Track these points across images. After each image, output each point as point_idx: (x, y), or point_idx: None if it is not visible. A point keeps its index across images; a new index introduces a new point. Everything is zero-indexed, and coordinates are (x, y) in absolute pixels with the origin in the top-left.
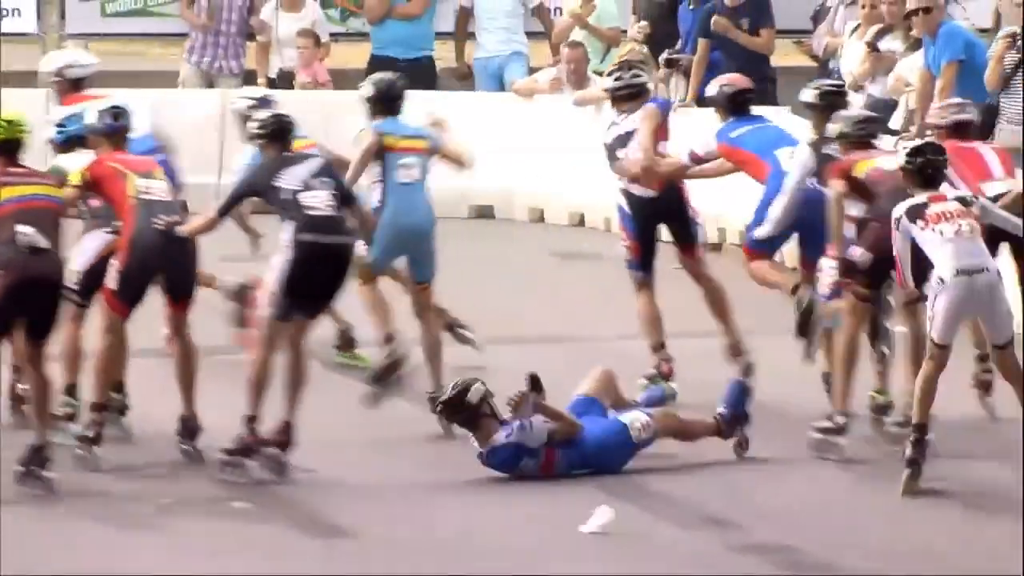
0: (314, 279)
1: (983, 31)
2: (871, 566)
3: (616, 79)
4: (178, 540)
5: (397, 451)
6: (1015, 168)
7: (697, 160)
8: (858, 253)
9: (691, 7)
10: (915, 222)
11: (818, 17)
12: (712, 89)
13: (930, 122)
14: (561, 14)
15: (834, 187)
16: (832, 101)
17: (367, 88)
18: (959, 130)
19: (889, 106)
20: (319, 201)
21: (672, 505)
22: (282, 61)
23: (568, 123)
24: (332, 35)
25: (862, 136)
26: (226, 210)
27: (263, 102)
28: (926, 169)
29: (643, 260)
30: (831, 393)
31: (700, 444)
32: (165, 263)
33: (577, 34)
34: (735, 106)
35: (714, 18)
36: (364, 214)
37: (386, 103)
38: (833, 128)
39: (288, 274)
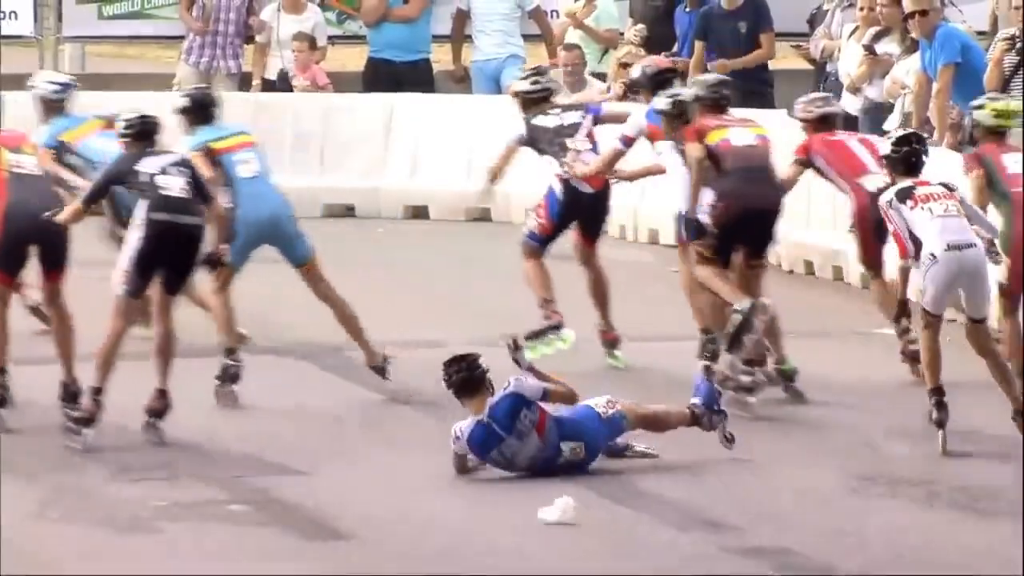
0: (165, 257)
1: (980, 34)
2: (869, 567)
3: (533, 83)
4: (174, 543)
5: (395, 451)
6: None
7: (629, 142)
8: (707, 221)
9: (687, 9)
10: (904, 203)
11: (815, 20)
12: (636, 71)
13: (797, 116)
14: (558, 16)
15: (693, 151)
16: (685, 109)
17: (182, 100)
18: (825, 123)
19: (886, 109)
20: (174, 184)
21: (668, 506)
22: (283, 62)
23: None
24: (329, 38)
25: (716, 100)
26: (92, 199)
27: (65, 87)
28: (910, 158)
29: (547, 240)
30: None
31: (696, 444)
32: (38, 235)
33: (573, 36)
34: (657, 86)
35: (718, 62)
36: (220, 212)
37: (202, 113)
38: (689, 92)
39: (141, 251)
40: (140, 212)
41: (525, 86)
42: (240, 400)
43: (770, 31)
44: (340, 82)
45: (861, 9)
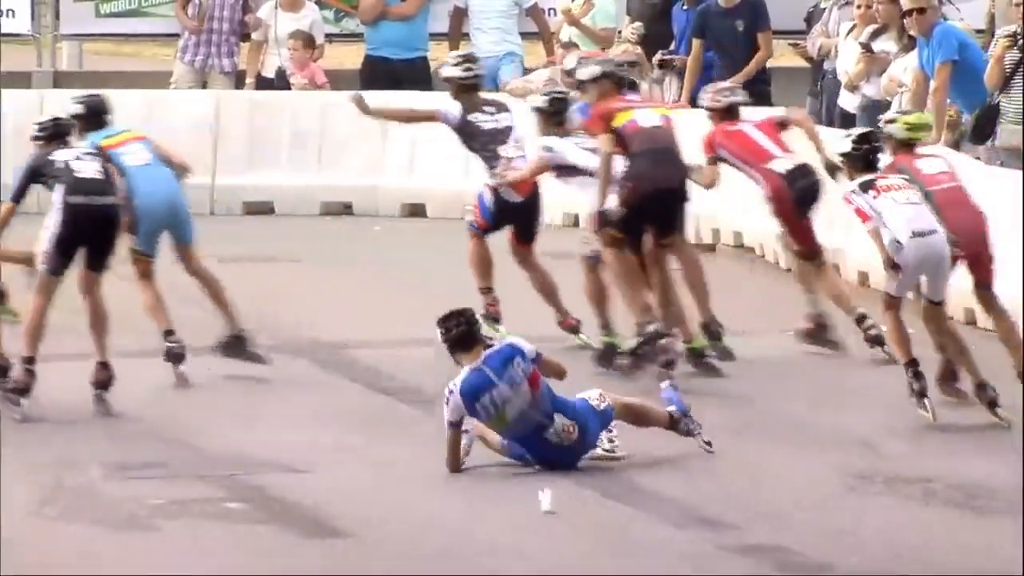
0: (84, 238)
1: (978, 32)
2: (868, 566)
3: (465, 69)
4: (171, 541)
5: (394, 450)
6: (782, 137)
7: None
8: (613, 206)
9: (685, 7)
10: (867, 192)
11: (812, 18)
12: (570, 61)
13: (704, 106)
14: (556, 15)
15: (603, 144)
16: (560, 107)
17: (76, 106)
18: (731, 113)
19: (883, 106)
20: (88, 168)
21: (666, 504)
22: (280, 60)
23: None
24: (327, 36)
25: (619, 79)
26: (19, 196)
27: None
28: (869, 155)
29: (486, 232)
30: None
31: (693, 443)
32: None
33: (569, 34)
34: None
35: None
36: (127, 200)
37: (95, 119)
38: (593, 70)
39: (60, 234)
40: (57, 196)
41: (457, 72)
42: (239, 400)
43: (767, 30)
44: (338, 80)
45: (858, 7)
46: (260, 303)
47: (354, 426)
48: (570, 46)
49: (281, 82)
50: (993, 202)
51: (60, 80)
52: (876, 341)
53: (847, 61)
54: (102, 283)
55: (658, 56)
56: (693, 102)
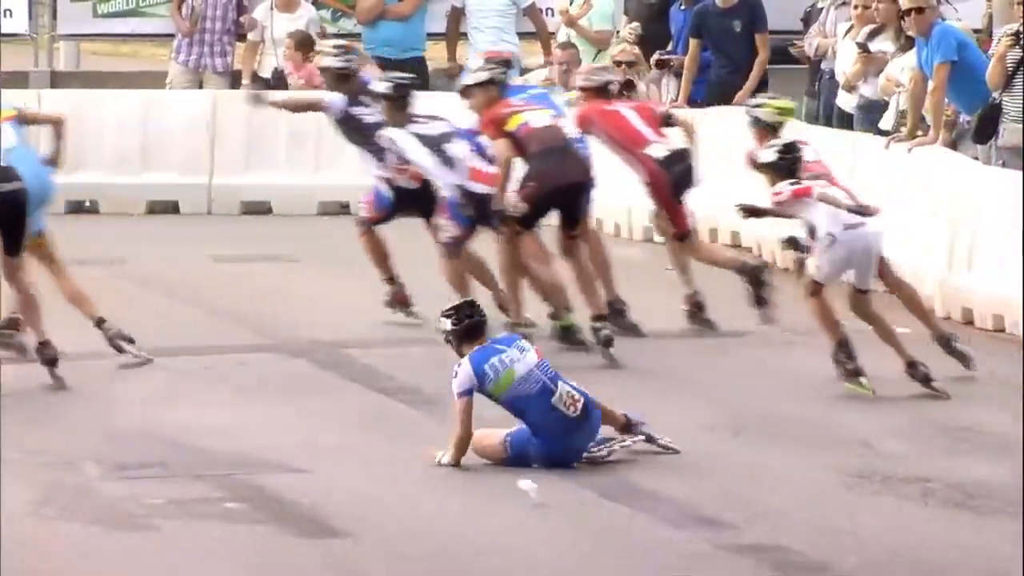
0: None
1: (976, 31)
2: (866, 566)
3: (345, 60)
4: (169, 540)
5: (392, 450)
6: (658, 123)
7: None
8: (513, 202)
9: (682, 7)
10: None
11: (809, 18)
12: (474, 62)
13: (578, 85)
14: (553, 15)
15: (502, 149)
16: (405, 93)
17: None
18: (604, 92)
19: (881, 106)
20: None
21: (664, 504)
22: (277, 61)
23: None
24: (324, 35)
25: (503, 83)
26: None
27: None
28: (792, 165)
29: (378, 223)
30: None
31: (692, 443)
32: None
33: (565, 34)
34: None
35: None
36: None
37: None
38: (479, 75)
39: None
40: None
41: (334, 62)
42: (238, 400)
43: (765, 31)
44: None
45: (856, 7)
46: (258, 303)
47: (353, 426)
48: (568, 46)
49: (278, 82)
50: (992, 202)
51: (57, 80)
52: (762, 303)
53: (844, 61)
54: (24, 267)
55: (656, 56)
56: (691, 102)
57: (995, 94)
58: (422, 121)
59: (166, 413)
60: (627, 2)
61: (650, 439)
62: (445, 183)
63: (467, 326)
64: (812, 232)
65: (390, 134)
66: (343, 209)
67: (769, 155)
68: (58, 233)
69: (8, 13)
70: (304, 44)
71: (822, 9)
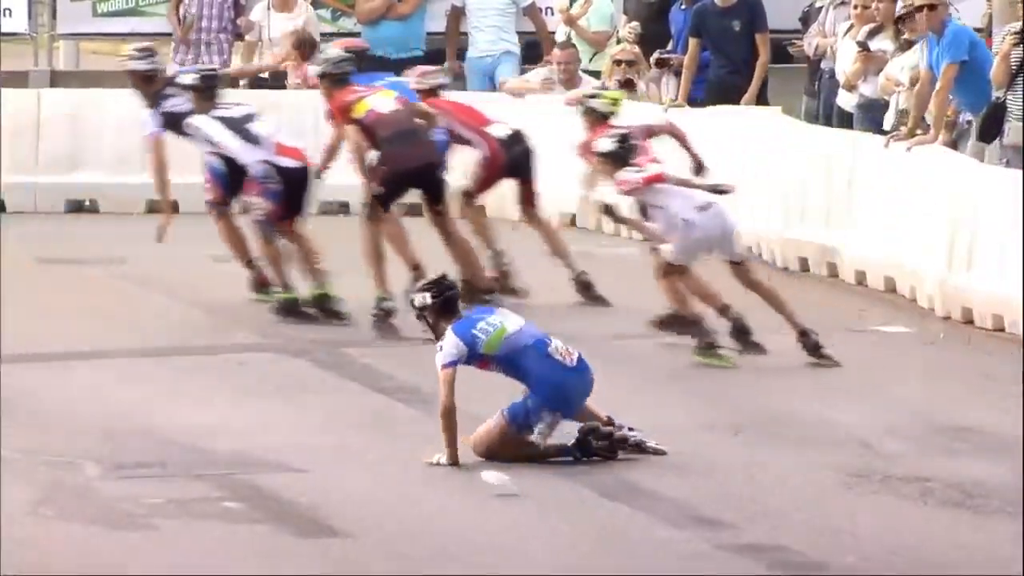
0: None
1: (977, 31)
2: (865, 566)
3: (150, 64)
4: (168, 540)
5: (391, 449)
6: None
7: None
8: (374, 187)
9: (682, 7)
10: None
11: (808, 18)
12: (330, 52)
13: (413, 86)
14: (553, 14)
15: (349, 135)
16: (212, 84)
17: None
18: (435, 94)
19: (881, 106)
20: None
21: (663, 504)
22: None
23: (559, 123)
24: (323, 35)
25: (344, 74)
26: None
27: None
28: (629, 153)
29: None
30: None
31: (691, 442)
32: None
33: (563, 32)
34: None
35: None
36: None
37: None
38: (315, 69)
39: None
40: None
41: (139, 65)
42: (237, 400)
43: (765, 31)
44: None
45: (855, 7)
46: (258, 303)
47: (352, 426)
48: (567, 45)
49: (275, 82)
50: (992, 201)
51: (57, 79)
52: (583, 285)
53: (844, 60)
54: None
55: (655, 55)
56: (691, 101)
57: (999, 93)
58: (226, 107)
59: (166, 413)
60: (627, 2)
61: (640, 447)
62: (252, 160)
63: (445, 298)
64: (644, 210)
65: (194, 121)
66: (342, 209)
67: (608, 144)
68: (58, 233)
69: (8, 12)
70: (303, 44)
71: (821, 8)
